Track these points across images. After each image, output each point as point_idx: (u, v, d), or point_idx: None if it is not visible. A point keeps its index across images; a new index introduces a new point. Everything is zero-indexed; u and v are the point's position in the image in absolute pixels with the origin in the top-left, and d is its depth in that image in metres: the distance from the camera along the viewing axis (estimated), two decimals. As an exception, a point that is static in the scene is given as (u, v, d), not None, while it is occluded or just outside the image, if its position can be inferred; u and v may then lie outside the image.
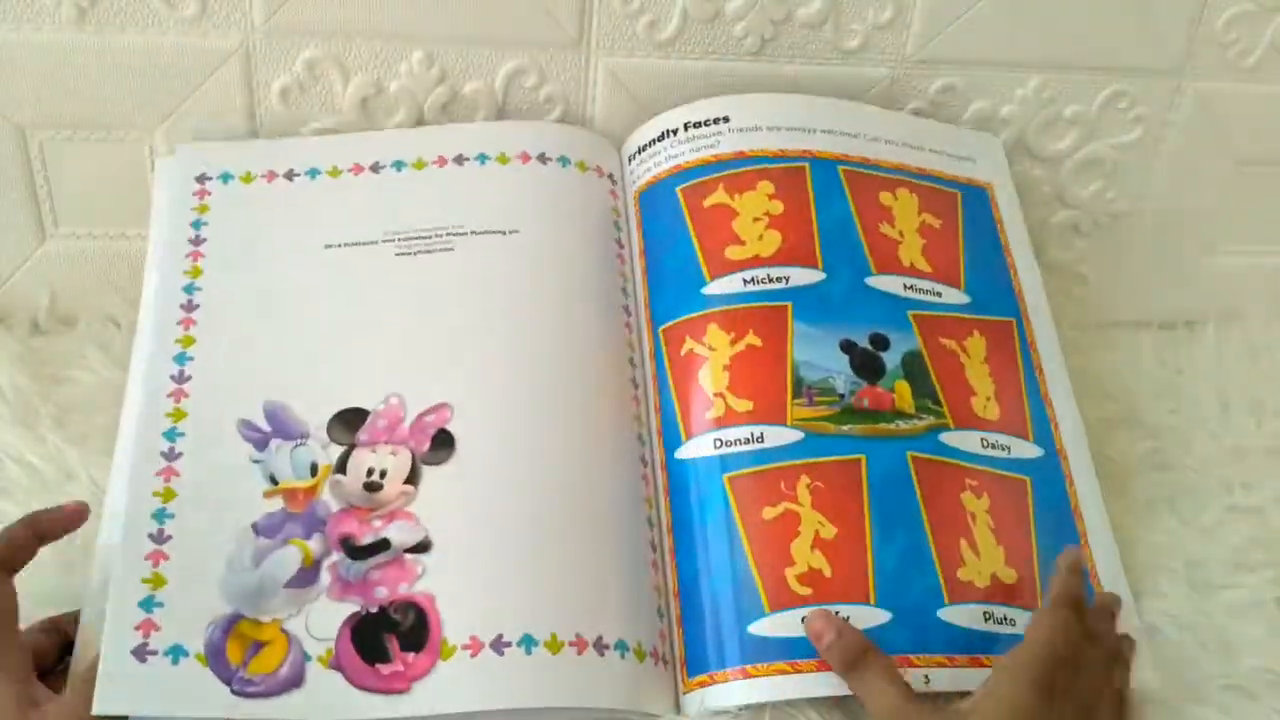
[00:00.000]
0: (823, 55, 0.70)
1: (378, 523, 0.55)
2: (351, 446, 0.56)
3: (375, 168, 0.66)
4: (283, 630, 0.51)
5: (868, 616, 0.54)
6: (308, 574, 0.53)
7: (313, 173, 0.65)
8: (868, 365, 0.60)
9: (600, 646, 0.53)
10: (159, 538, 0.52)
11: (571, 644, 0.52)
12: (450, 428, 0.57)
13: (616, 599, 0.55)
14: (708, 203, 0.64)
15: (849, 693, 0.52)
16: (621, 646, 0.53)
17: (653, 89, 0.69)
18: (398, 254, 0.63)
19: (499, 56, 0.68)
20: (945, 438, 0.60)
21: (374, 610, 0.52)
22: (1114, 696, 0.53)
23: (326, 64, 0.67)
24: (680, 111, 0.67)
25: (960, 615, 0.55)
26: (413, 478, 0.56)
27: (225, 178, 0.65)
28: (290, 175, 0.65)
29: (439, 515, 0.55)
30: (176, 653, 0.50)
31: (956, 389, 0.62)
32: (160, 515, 0.53)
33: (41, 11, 0.62)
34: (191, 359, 0.58)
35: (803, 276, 0.62)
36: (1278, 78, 0.74)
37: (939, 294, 0.64)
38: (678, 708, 0.54)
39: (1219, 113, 0.75)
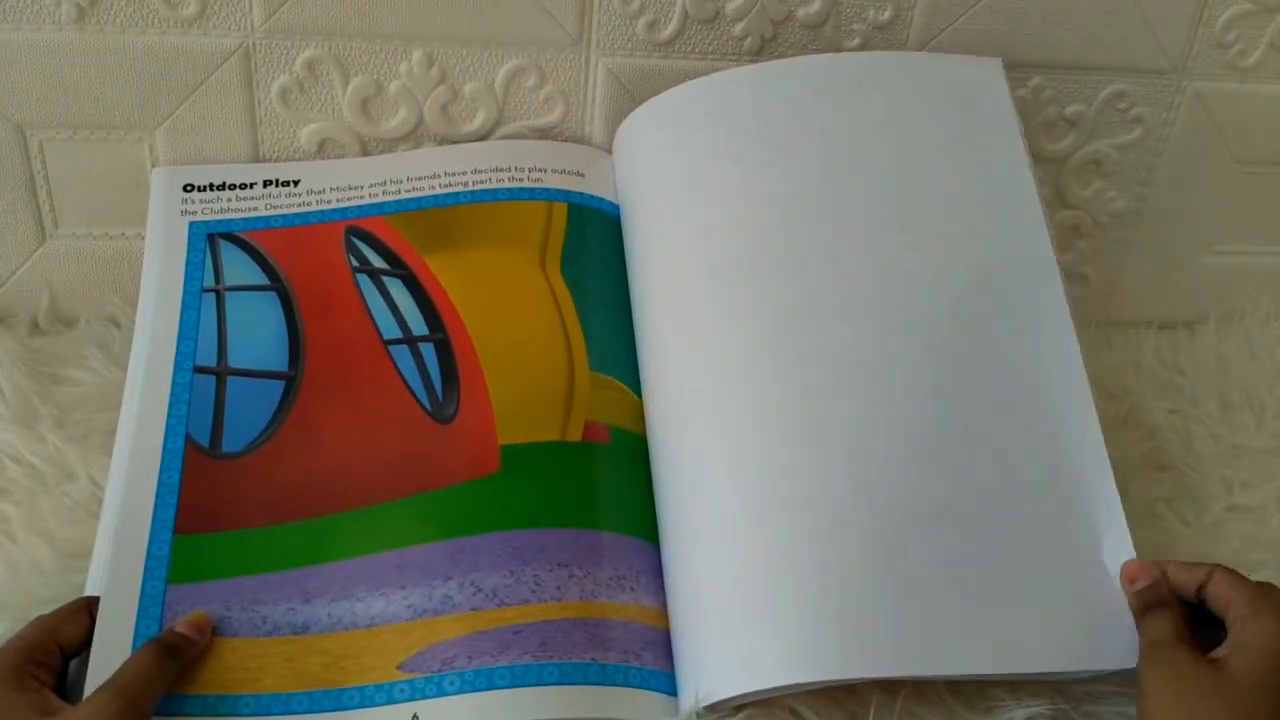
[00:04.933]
0: (823, 55, 0.70)
1: None
2: None
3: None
4: None
5: None
6: None
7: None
8: None
9: None
10: None
11: None
12: None
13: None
14: None
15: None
16: None
17: (653, 89, 0.68)
18: None
19: (499, 56, 0.68)
20: None
21: None
22: None
23: (326, 64, 0.67)
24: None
25: None
26: None
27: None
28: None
29: None
30: None
31: None
32: None
33: (41, 11, 0.62)
34: None
35: None
36: (1278, 78, 0.74)
37: None
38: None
39: (1219, 113, 0.75)
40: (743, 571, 0.54)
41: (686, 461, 0.58)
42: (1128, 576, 0.55)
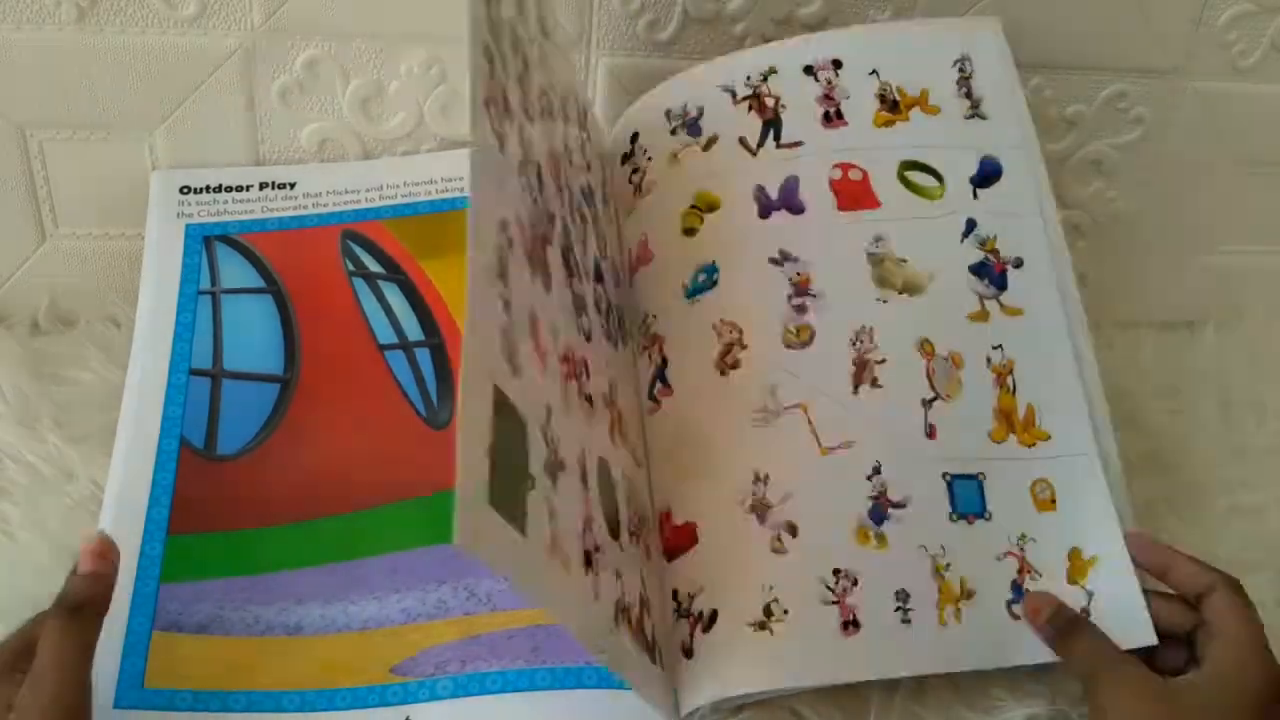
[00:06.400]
0: (822, 55, 0.70)
1: None
2: None
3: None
4: None
5: None
6: None
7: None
8: None
9: None
10: None
11: None
12: None
13: None
14: None
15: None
16: None
17: (653, 89, 0.69)
18: None
19: (499, 56, 0.68)
20: None
21: None
22: None
23: (326, 64, 0.67)
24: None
25: None
26: None
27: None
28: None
29: None
30: None
31: None
32: None
33: (41, 11, 0.62)
34: None
35: None
36: (1278, 78, 0.74)
37: None
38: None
39: (1219, 113, 0.75)
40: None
41: None
42: (1029, 609, 0.53)
